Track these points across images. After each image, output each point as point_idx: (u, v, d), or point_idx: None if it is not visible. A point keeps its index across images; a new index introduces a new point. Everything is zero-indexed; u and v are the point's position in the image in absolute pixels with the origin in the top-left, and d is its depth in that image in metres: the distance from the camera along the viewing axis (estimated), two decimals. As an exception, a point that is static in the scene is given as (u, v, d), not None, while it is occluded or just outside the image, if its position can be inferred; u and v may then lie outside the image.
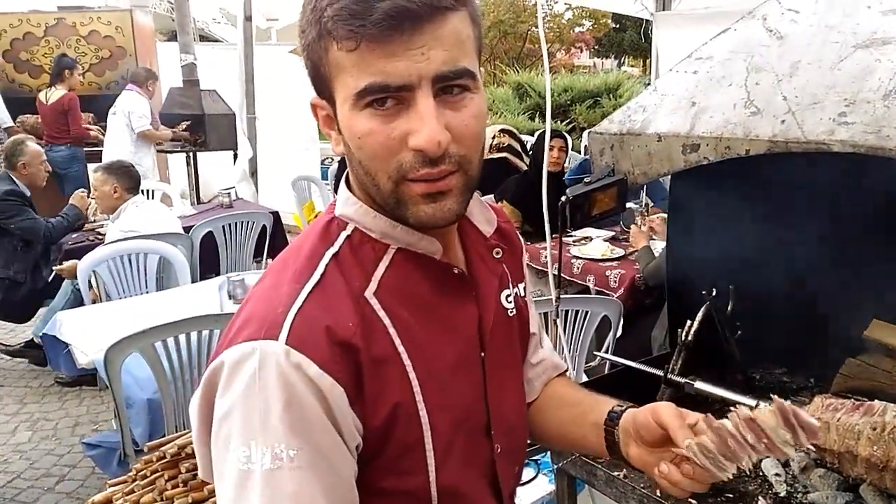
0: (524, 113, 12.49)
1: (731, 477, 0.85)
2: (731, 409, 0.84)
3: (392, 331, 0.87)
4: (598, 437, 1.05)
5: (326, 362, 0.79)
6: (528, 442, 1.20)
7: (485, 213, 1.06)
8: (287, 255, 0.94)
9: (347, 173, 0.95)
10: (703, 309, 1.78)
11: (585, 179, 1.67)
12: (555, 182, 3.78)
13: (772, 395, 0.84)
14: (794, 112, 1.30)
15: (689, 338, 1.79)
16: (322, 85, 0.87)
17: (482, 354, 0.98)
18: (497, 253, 1.05)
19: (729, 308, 1.84)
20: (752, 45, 1.54)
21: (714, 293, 1.80)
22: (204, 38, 11.25)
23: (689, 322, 1.80)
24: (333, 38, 0.80)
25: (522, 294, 1.14)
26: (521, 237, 1.21)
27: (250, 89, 6.10)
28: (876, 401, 1.46)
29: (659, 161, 1.57)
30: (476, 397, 0.98)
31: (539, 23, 1.85)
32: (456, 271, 0.96)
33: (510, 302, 1.08)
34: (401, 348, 0.87)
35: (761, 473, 1.62)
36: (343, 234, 0.92)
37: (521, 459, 1.13)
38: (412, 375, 0.88)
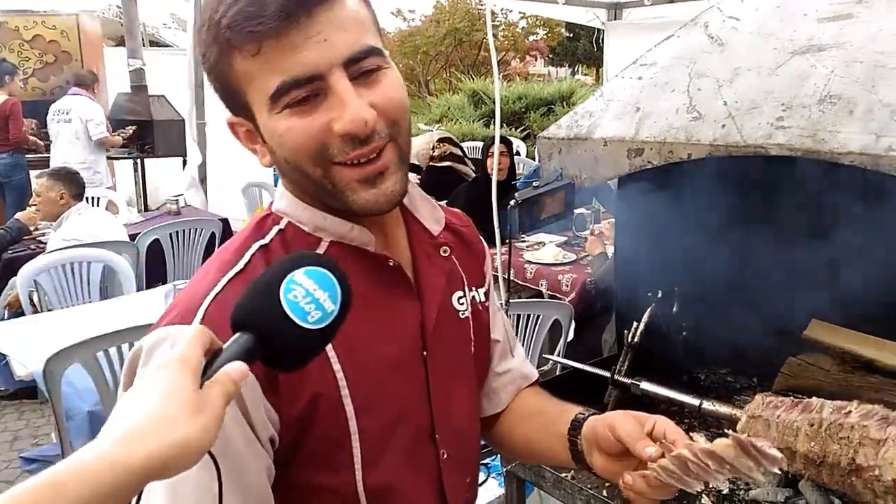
0: (479, 120, 12.55)
1: (699, 490, 0.86)
2: (700, 428, 0.84)
3: None
4: (563, 448, 1.04)
5: None
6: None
7: (433, 211, 1.06)
8: (220, 249, 0.94)
9: None
10: (648, 311, 1.80)
11: (534, 184, 1.69)
12: (505, 189, 3.81)
13: (727, 431, 0.84)
14: (734, 117, 1.33)
15: (636, 339, 1.82)
16: (235, 101, 0.86)
17: (424, 353, 0.97)
18: (444, 251, 1.03)
19: (674, 310, 1.87)
20: (694, 52, 1.57)
21: (659, 295, 1.83)
22: (154, 43, 11.04)
23: (635, 324, 1.82)
24: (235, 48, 0.80)
25: (483, 299, 1.12)
26: (484, 242, 1.20)
27: (200, 95, 5.99)
28: (814, 398, 1.49)
29: (605, 165, 1.59)
30: (417, 398, 0.96)
31: (488, 30, 1.86)
32: (392, 264, 0.94)
33: (462, 304, 1.06)
34: None
35: (706, 472, 1.64)
36: (276, 228, 0.91)
37: (473, 469, 1.10)
38: (336, 367, 0.86)
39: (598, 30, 7.88)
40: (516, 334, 3.06)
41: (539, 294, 3.92)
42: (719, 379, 2.20)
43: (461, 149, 5.98)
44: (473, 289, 1.10)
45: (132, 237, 4.39)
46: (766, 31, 1.48)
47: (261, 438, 0.81)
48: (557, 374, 2.31)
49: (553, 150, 1.72)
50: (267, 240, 0.90)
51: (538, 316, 3.12)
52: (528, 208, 1.66)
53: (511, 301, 3.02)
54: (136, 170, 6.93)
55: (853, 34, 1.31)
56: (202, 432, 0.61)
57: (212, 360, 0.69)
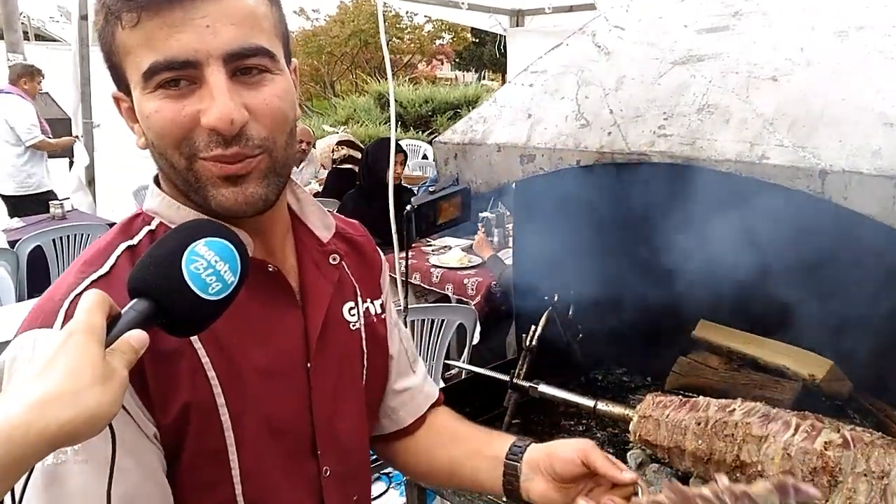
0: (385, 122, 12.52)
1: None
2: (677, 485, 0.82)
3: None
4: (493, 472, 1.03)
5: None
6: (375, 457, 1.16)
7: (323, 218, 1.02)
8: (85, 249, 0.90)
9: None
10: (545, 314, 1.82)
11: (429, 189, 1.67)
12: (398, 193, 3.77)
13: (780, 475, 0.86)
14: (620, 125, 1.36)
15: (534, 343, 1.83)
16: (117, 74, 0.83)
17: (308, 364, 0.93)
18: (334, 259, 1.01)
19: (570, 312, 1.89)
20: (582, 60, 1.60)
21: (556, 298, 1.85)
22: (40, 37, 10.41)
23: (532, 328, 1.83)
24: (117, 18, 0.77)
25: (379, 311, 1.08)
26: (381, 253, 1.17)
27: (87, 92, 5.66)
28: (700, 397, 1.55)
29: (499, 171, 1.60)
30: (297, 410, 0.93)
31: (381, 28, 1.83)
32: (271, 269, 0.91)
33: (353, 315, 1.03)
34: (197, 344, 0.83)
35: (601, 472, 1.68)
36: (146, 228, 0.88)
37: (363, 488, 1.06)
38: (211, 374, 0.83)
39: (502, 36, 8.00)
40: (419, 339, 3.06)
41: (446, 298, 3.92)
42: (616, 379, 2.25)
43: (362, 151, 5.93)
44: (368, 300, 1.07)
45: (12, 244, 4.13)
46: (649, 41, 1.52)
47: (146, 433, 0.79)
48: (462, 378, 2.30)
49: (449, 155, 1.71)
50: (135, 241, 0.86)
51: (442, 321, 3.11)
52: (425, 213, 1.64)
53: (412, 307, 3.01)
54: (19, 172, 6.46)
55: (729, 46, 1.36)
56: (110, 401, 0.63)
57: (111, 325, 0.68)
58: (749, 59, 1.30)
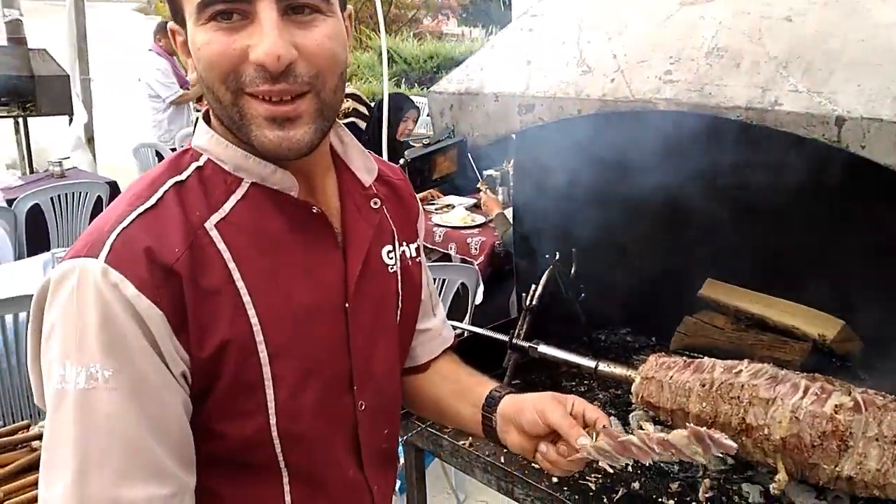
0: (390, 79, 12.35)
1: (624, 465, 0.95)
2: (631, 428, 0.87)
3: (232, 265, 0.83)
4: (474, 418, 1.09)
5: (145, 284, 0.76)
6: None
7: (366, 161, 1.02)
8: (134, 182, 0.90)
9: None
10: (546, 273, 1.76)
11: (424, 142, 1.59)
12: (402, 149, 3.70)
13: (688, 424, 0.90)
14: (623, 71, 1.27)
15: (534, 302, 1.78)
16: (174, 5, 0.84)
17: (346, 305, 0.94)
18: (375, 203, 1.00)
19: (573, 271, 1.83)
20: (585, 2, 1.50)
21: (557, 257, 1.78)
22: (37, -8, 10.22)
23: (533, 287, 1.78)
24: None
25: (414, 255, 1.10)
26: (417, 198, 1.18)
27: (83, 48, 5.56)
28: (705, 358, 1.49)
29: (496, 122, 1.52)
30: (336, 349, 0.94)
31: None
32: (315, 210, 0.91)
33: (392, 258, 1.04)
34: (240, 283, 0.83)
35: (602, 434, 1.64)
36: (194, 165, 0.88)
37: (393, 422, 1.09)
38: (251, 312, 0.83)
39: (508, -13, 7.79)
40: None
41: (448, 257, 3.87)
42: (619, 339, 2.20)
43: (369, 107, 5.83)
44: (405, 243, 1.08)
45: (10, 202, 4.08)
46: (657, -20, 1.43)
47: (174, 372, 0.79)
48: (463, 337, 2.26)
49: (444, 107, 1.63)
50: (183, 176, 0.86)
51: (443, 280, 3.06)
52: (419, 168, 1.57)
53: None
54: (17, 130, 6.40)
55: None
56: None
57: None
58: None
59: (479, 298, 3.36)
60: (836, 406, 1.21)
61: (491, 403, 1.06)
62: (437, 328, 1.21)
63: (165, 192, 0.84)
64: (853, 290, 1.69)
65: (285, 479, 0.91)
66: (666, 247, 1.95)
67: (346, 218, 0.97)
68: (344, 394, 0.95)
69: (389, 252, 1.04)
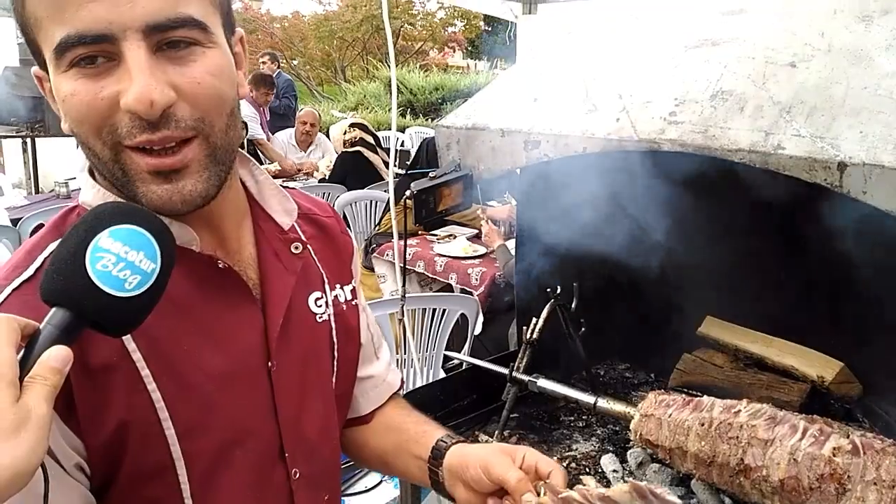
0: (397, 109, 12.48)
1: None
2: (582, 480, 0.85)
3: (125, 337, 0.74)
4: (421, 472, 1.01)
5: None
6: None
7: (283, 202, 0.94)
8: (17, 249, 0.82)
9: None
10: (547, 307, 1.77)
11: (430, 174, 1.61)
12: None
13: (625, 479, 0.88)
14: (629, 111, 1.30)
15: (535, 335, 1.78)
16: (33, 50, 0.75)
17: (270, 364, 0.87)
18: (296, 247, 0.93)
19: (573, 306, 1.84)
20: (592, 43, 1.53)
21: (559, 291, 1.79)
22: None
23: (534, 320, 1.78)
24: None
25: (349, 297, 1.02)
26: (352, 236, 1.10)
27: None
28: (704, 397, 1.49)
29: (503, 157, 1.54)
30: (261, 415, 0.86)
31: (384, 9, 1.77)
32: (221, 265, 0.83)
33: (320, 306, 0.96)
34: (136, 355, 0.75)
35: (600, 469, 1.63)
36: None
37: (331, 486, 1.01)
38: (152, 387, 0.76)
39: (513, 23, 7.90)
40: (419, 329, 3.01)
41: (449, 287, 3.88)
42: (619, 374, 2.20)
43: (375, 137, 5.88)
44: (338, 286, 1.00)
45: (14, 222, 4.11)
46: (662, 25, 1.46)
47: (65, 467, 0.71)
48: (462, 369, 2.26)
49: (451, 140, 1.66)
50: None
51: (444, 310, 3.06)
52: (424, 199, 1.59)
53: (412, 295, 2.96)
54: (24, 150, 6.45)
55: (746, 30, 1.30)
56: (28, 453, 0.55)
57: (30, 345, 0.60)
58: (766, 44, 1.24)
59: (478, 329, 3.36)
60: (834, 448, 1.21)
61: (437, 456, 0.99)
62: (380, 374, 1.13)
63: (45, 259, 0.75)
64: (853, 333, 1.70)
65: None
66: (667, 284, 1.96)
67: (264, 267, 0.89)
68: (274, 464, 0.88)
69: (318, 300, 0.96)
